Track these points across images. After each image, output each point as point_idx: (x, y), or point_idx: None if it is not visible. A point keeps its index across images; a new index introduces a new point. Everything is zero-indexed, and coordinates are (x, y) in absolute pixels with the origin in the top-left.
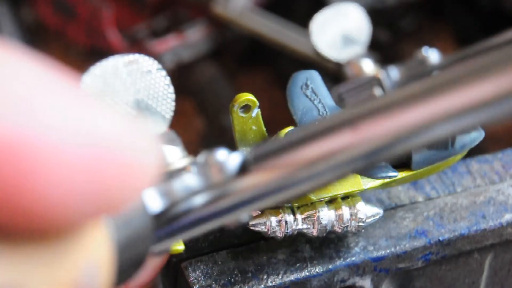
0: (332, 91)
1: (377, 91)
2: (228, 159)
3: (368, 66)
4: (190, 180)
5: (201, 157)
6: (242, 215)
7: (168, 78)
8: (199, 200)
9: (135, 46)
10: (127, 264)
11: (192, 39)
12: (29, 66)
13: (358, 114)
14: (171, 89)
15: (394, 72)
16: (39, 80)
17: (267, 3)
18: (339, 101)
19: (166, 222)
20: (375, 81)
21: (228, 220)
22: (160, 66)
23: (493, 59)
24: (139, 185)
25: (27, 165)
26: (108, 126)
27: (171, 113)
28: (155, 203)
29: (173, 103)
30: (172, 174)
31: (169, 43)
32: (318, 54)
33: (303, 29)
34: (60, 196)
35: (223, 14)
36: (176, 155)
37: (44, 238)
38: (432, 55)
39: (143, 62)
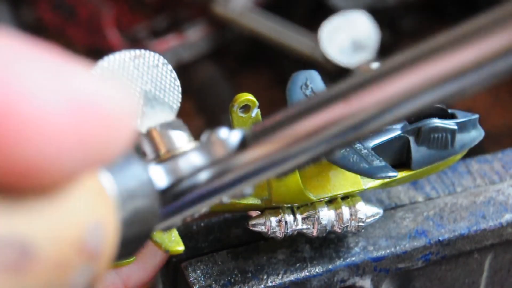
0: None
1: None
2: (229, 136)
3: None
4: (194, 157)
5: (204, 136)
6: (245, 189)
7: (174, 72)
8: (203, 176)
9: (135, 46)
10: (132, 237)
11: (192, 39)
12: (9, 42)
13: (349, 87)
14: (178, 82)
15: None
16: (20, 51)
17: (267, 3)
18: None
19: (172, 199)
20: None
21: (231, 194)
22: (166, 61)
23: (474, 26)
24: (121, 135)
25: (18, 126)
26: (87, 85)
27: (178, 104)
28: (161, 179)
29: (180, 95)
30: (180, 154)
31: (169, 43)
32: (327, 60)
33: (303, 29)
34: (50, 151)
35: (223, 14)
36: (183, 140)
37: (43, 193)
38: None
39: (150, 57)
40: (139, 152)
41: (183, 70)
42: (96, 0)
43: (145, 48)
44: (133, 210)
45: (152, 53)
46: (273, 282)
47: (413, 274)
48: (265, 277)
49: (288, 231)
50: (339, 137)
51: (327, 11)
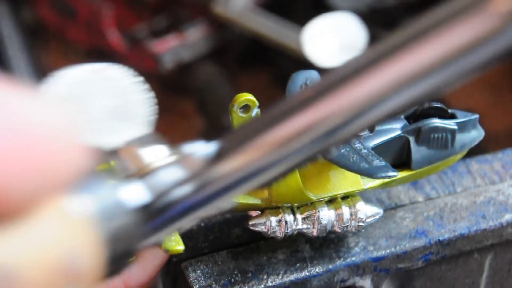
0: None
1: None
2: (204, 148)
3: None
4: (172, 171)
5: (180, 149)
6: (226, 201)
7: (144, 84)
8: (183, 190)
9: (135, 46)
10: (117, 255)
11: (192, 39)
12: None
13: (319, 92)
14: (149, 94)
15: None
16: None
17: (267, 3)
18: None
19: (155, 214)
20: None
21: (214, 206)
22: (133, 73)
23: (432, 22)
24: (69, 157)
25: None
26: (26, 111)
27: (152, 116)
28: (141, 196)
29: (153, 107)
30: (156, 169)
31: (169, 43)
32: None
33: (303, 29)
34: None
35: (223, 14)
36: (159, 154)
37: (8, 220)
38: None
39: (113, 71)
40: (118, 169)
41: (183, 70)
42: (96, 0)
43: (145, 48)
44: (112, 229)
45: (116, 66)
46: (273, 282)
47: (413, 274)
48: (265, 277)
49: (288, 231)
50: (319, 141)
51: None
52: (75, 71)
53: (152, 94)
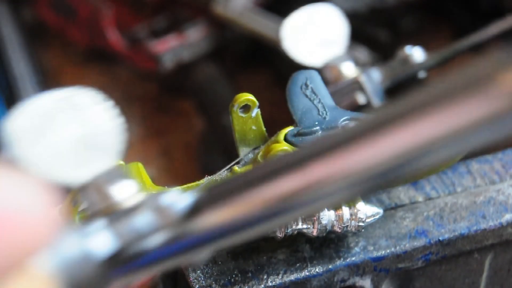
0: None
1: (359, 95)
2: (179, 200)
3: (348, 69)
4: (142, 221)
5: (153, 198)
6: (197, 256)
7: (113, 110)
8: (150, 242)
9: (135, 46)
10: None
11: (192, 39)
12: None
13: (306, 157)
14: (118, 120)
15: (375, 74)
16: None
17: (267, 3)
18: None
19: (120, 263)
20: (356, 84)
21: (182, 260)
22: (102, 97)
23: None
24: (37, 230)
25: None
26: None
27: (119, 146)
28: (106, 245)
29: (121, 136)
30: (125, 213)
31: (169, 43)
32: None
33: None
34: None
35: (223, 14)
36: (128, 190)
37: None
38: (416, 53)
39: (81, 97)
40: (86, 206)
41: (183, 70)
42: (96, 0)
43: (145, 48)
44: (76, 283)
45: (85, 91)
46: (273, 282)
47: (413, 274)
48: (265, 277)
49: (288, 231)
50: (300, 206)
51: None
52: (42, 100)
53: (123, 120)
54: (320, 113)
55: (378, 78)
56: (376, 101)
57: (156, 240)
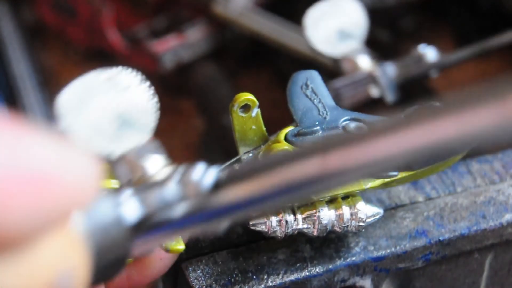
0: (328, 86)
1: (372, 89)
2: (204, 176)
3: (364, 62)
4: (168, 192)
5: (180, 171)
6: (216, 226)
7: (151, 90)
8: (174, 212)
9: (135, 46)
10: (106, 266)
11: (192, 39)
12: None
13: (325, 146)
14: (154, 100)
15: (390, 69)
16: None
17: (267, 3)
18: (335, 96)
19: (145, 229)
20: (370, 78)
21: (202, 229)
22: (141, 78)
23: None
24: (79, 199)
25: None
26: (42, 156)
27: (153, 124)
28: (134, 212)
29: (155, 114)
30: (153, 184)
31: (169, 43)
32: (312, 49)
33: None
34: (5, 217)
35: (223, 14)
36: (158, 164)
37: (12, 249)
38: (429, 53)
39: (122, 77)
40: (118, 177)
41: (183, 70)
42: (96, 0)
43: (145, 48)
44: (104, 245)
45: (127, 71)
46: (273, 282)
47: (413, 274)
48: (265, 277)
49: (289, 231)
50: (310, 189)
51: None
52: (88, 78)
53: (156, 99)
54: (321, 113)
55: (393, 73)
56: (389, 95)
57: (179, 210)
